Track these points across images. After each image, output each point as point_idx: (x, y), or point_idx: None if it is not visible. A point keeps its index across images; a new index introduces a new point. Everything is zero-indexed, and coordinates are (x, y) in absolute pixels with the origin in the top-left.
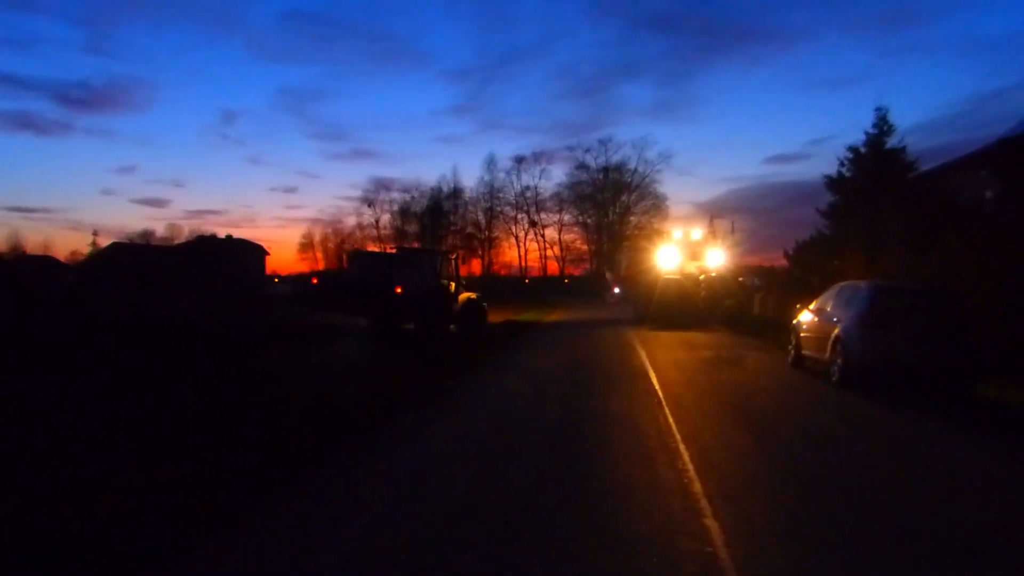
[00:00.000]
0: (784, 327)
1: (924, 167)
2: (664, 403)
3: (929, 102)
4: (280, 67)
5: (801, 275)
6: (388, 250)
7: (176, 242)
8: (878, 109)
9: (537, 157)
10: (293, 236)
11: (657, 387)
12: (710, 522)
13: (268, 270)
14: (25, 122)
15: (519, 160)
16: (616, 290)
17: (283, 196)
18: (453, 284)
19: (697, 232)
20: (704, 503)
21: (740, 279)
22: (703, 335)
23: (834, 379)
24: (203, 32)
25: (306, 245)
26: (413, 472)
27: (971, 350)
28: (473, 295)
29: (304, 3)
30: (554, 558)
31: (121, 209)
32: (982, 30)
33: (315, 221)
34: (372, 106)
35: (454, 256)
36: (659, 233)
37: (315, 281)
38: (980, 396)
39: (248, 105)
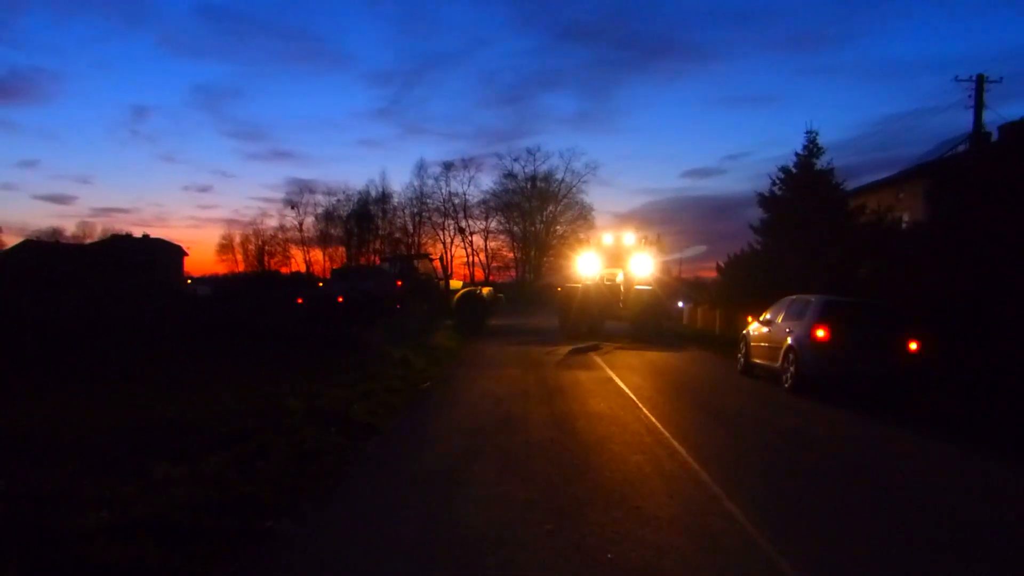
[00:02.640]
0: (715, 338)
1: (847, 187)
2: (640, 405)
3: (837, 122)
4: (195, 63)
5: (734, 288)
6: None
7: (89, 241)
8: (808, 132)
9: (466, 164)
10: (207, 236)
11: (629, 392)
12: (730, 506)
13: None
14: None
15: (448, 166)
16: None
17: (196, 195)
18: (442, 283)
19: (630, 237)
20: (717, 489)
21: (646, 287)
22: (636, 346)
23: (787, 385)
24: (112, 24)
25: (225, 246)
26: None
27: (909, 361)
28: (480, 292)
29: None
30: (595, 539)
31: (22, 205)
32: (888, 55)
33: (230, 222)
34: (291, 106)
35: (437, 258)
36: (584, 242)
37: (300, 300)
38: (913, 401)
39: (160, 101)
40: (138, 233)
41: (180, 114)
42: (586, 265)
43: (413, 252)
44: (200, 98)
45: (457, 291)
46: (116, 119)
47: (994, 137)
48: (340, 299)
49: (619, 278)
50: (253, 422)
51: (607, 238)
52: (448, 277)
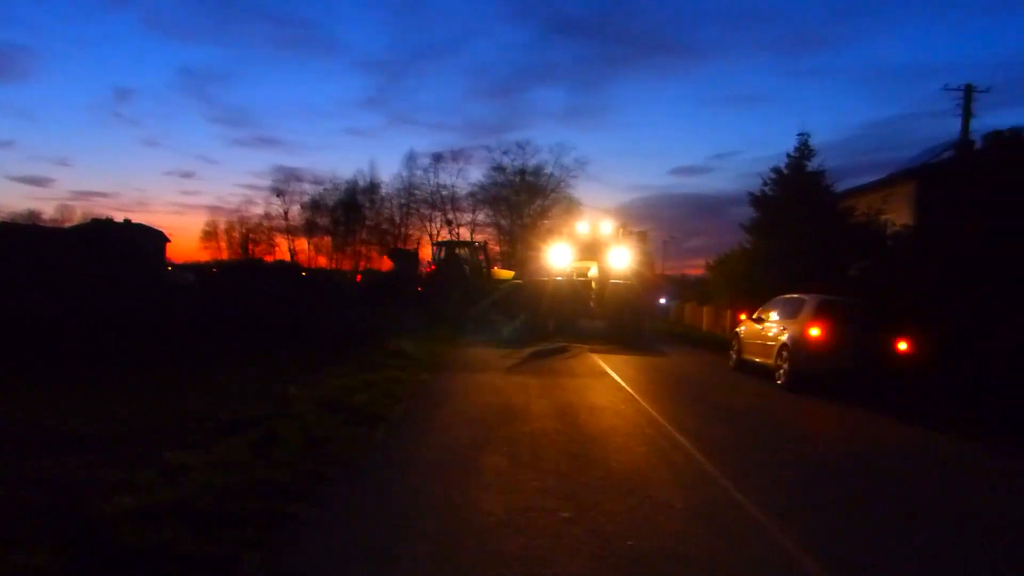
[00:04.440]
0: (703, 337)
1: (836, 189)
2: (639, 399)
3: (827, 124)
4: (181, 45)
5: (723, 286)
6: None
7: (68, 225)
8: (800, 134)
9: (455, 156)
10: (190, 223)
11: (626, 386)
12: (738, 496)
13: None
14: None
15: (437, 158)
16: None
17: (179, 181)
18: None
19: (607, 227)
20: (725, 481)
21: (623, 282)
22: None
23: (780, 381)
24: (94, 1)
25: (209, 233)
26: None
27: (899, 359)
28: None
29: None
30: (612, 527)
31: None
32: (880, 60)
33: (214, 208)
34: (278, 93)
35: (475, 247)
36: (557, 232)
37: (359, 279)
38: (901, 397)
39: (144, 83)
40: (119, 218)
41: (164, 97)
42: (557, 257)
43: (453, 240)
44: (185, 81)
45: (506, 281)
46: (97, 100)
47: (977, 145)
48: (359, 278)
49: (592, 272)
50: (257, 410)
51: (582, 227)
52: (489, 267)
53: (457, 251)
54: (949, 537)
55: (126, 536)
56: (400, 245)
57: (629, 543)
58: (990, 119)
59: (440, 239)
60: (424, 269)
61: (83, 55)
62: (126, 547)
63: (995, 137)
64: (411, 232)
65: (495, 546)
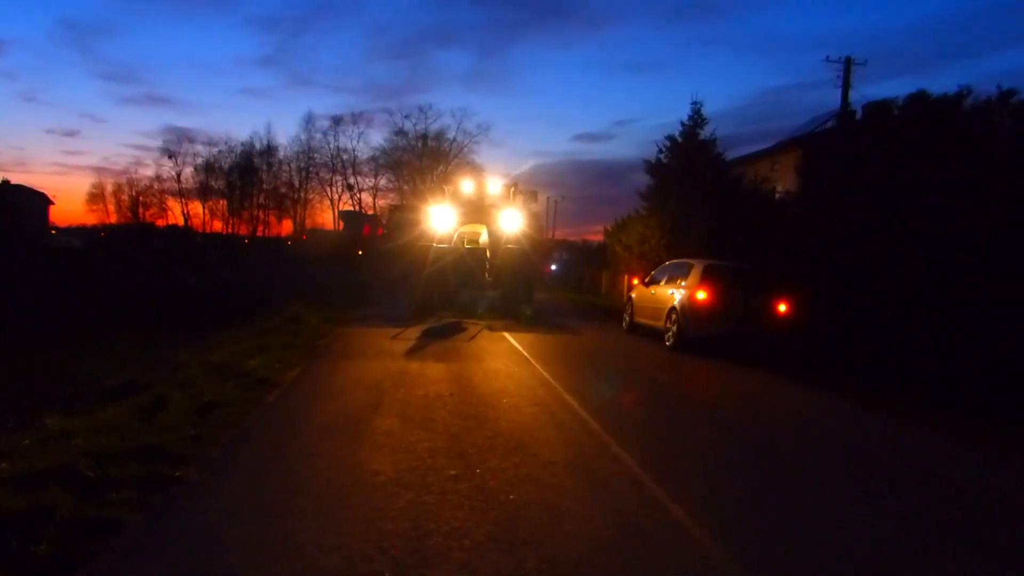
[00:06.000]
0: (599, 302)
1: (728, 157)
2: (532, 360)
3: (721, 92)
4: None
5: (622, 251)
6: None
7: None
8: (694, 103)
9: (355, 119)
10: (74, 184)
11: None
12: (618, 451)
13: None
14: None
15: (337, 120)
16: None
17: (62, 140)
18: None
19: (496, 185)
20: (608, 437)
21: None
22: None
23: (669, 344)
24: None
25: (96, 196)
26: None
27: (778, 321)
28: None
29: None
30: (497, 482)
31: None
32: (769, 30)
33: (101, 170)
34: (168, 49)
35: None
36: (439, 193)
37: (304, 238)
38: (778, 356)
39: (21, 34)
40: None
41: (43, 50)
42: (440, 220)
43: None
44: (66, 33)
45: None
46: None
47: (858, 115)
48: (304, 236)
49: (484, 237)
50: (144, 375)
51: (467, 186)
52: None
53: (412, 216)
54: (814, 486)
55: (2, 500)
56: (300, 209)
57: (511, 497)
58: (868, 90)
59: (347, 206)
60: (375, 232)
61: None
62: (1, 511)
63: (871, 107)
64: (311, 197)
65: (382, 503)
